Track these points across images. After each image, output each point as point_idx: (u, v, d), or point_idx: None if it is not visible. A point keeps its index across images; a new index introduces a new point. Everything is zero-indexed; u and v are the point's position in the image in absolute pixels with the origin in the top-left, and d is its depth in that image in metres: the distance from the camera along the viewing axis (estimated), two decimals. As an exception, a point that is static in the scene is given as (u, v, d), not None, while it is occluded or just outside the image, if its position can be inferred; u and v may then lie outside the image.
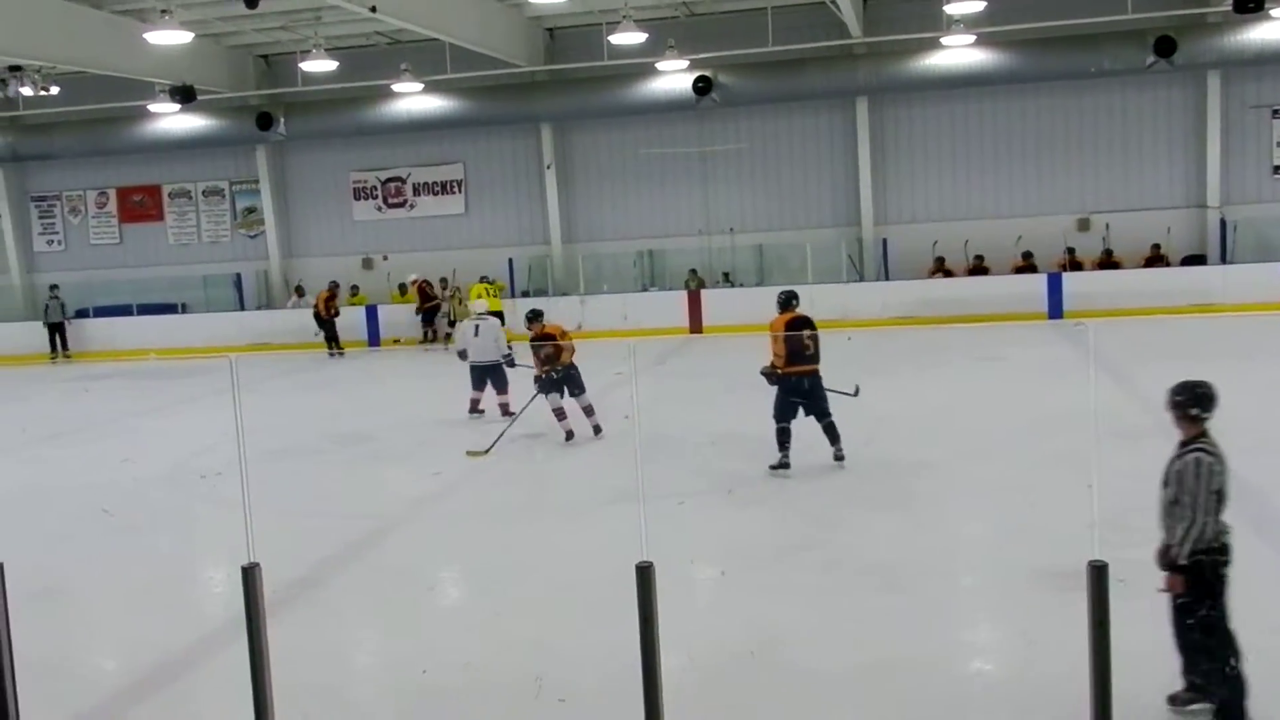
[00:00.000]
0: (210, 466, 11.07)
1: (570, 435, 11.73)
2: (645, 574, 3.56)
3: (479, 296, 18.36)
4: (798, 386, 9.68)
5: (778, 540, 8.00)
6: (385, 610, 7.17)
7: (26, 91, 20.14)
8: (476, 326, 13.26)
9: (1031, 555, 7.19)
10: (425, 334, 22.10)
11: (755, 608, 6.69)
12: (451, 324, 21.25)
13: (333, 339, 21.60)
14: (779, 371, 9.67)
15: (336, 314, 21.73)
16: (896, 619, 6.35)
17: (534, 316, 12.39)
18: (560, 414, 11.76)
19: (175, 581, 8.08)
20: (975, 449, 10.57)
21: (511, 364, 13.22)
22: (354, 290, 24.08)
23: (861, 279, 22.09)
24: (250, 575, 4.40)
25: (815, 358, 9.85)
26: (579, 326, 21.45)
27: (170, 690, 6.09)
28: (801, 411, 9.77)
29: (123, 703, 5.95)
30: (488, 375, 13.18)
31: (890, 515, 8.45)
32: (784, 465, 9.71)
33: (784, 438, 9.74)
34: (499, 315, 20.54)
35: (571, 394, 11.85)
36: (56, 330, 23.19)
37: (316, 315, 21.74)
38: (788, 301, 10.30)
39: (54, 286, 23.68)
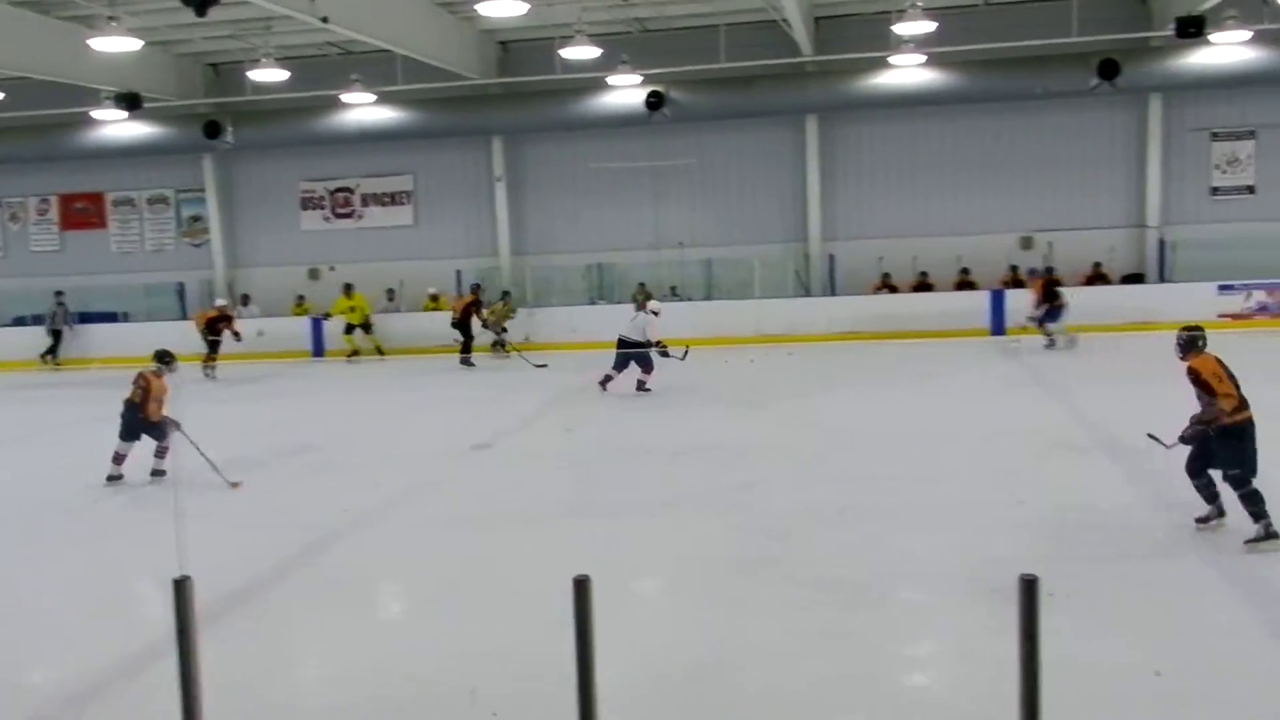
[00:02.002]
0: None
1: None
2: (582, 587, 3.56)
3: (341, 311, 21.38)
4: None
5: (731, 554, 7.99)
6: (329, 622, 7.09)
7: (-32, 96, 19.86)
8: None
9: (975, 570, 7.26)
10: (494, 344, 21.09)
11: (705, 622, 6.68)
12: (504, 331, 20.94)
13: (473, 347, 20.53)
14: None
15: (485, 323, 20.64)
16: (845, 634, 6.38)
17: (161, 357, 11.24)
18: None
19: (113, 592, 7.95)
20: (922, 463, 10.66)
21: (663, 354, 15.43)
22: (299, 300, 23.90)
23: (808, 294, 22.25)
24: (181, 588, 4.34)
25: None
26: (527, 338, 21.52)
27: (105, 702, 5.99)
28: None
29: (54, 712, 5.85)
30: (631, 357, 15.19)
31: (840, 530, 8.49)
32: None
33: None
34: (366, 325, 21.86)
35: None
36: (58, 337, 22.76)
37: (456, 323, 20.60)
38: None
39: (59, 292, 23.22)
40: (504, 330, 21.01)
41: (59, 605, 7.72)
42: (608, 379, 15.34)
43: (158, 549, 8.47)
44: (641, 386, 15.31)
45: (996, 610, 6.39)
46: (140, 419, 10.79)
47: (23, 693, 6.23)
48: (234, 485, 10.33)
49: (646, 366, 15.31)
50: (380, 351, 21.90)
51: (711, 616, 6.79)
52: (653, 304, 16.08)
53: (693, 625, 6.70)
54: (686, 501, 9.56)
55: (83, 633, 7.05)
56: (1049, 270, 19.83)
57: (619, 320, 15.95)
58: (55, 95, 21.52)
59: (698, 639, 6.40)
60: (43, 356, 22.61)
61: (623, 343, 15.38)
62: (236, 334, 20.31)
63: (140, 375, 10.93)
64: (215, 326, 20.33)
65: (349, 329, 21.85)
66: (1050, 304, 18.44)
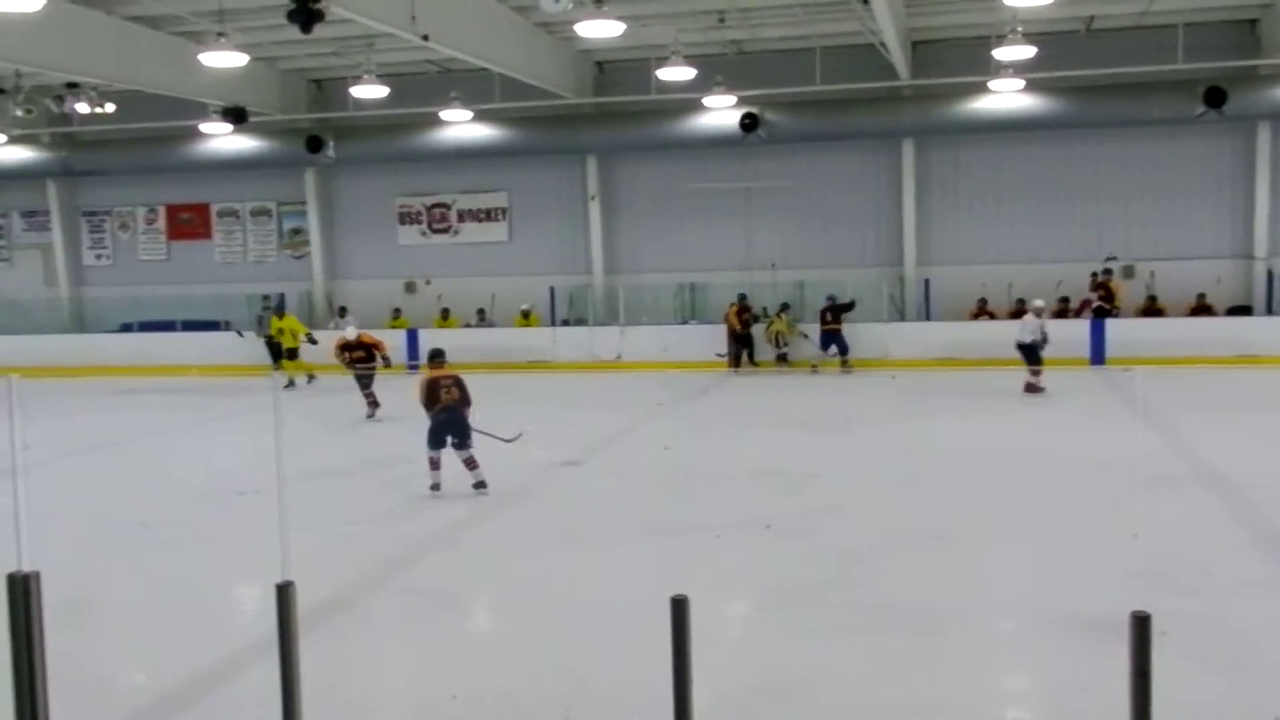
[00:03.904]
0: (249, 483, 11.13)
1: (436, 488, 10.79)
2: (680, 607, 3.55)
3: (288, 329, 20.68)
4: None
5: (812, 577, 7.93)
6: (416, 633, 7.16)
7: (82, 108, 20.53)
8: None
9: (1068, 603, 7.10)
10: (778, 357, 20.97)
11: (787, 645, 6.63)
12: (786, 345, 20.87)
13: (746, 355, 20.90)
14: None
15: (746, 328, 20.89)
16: (929, 662, 6.28)
17: (435, 355, 11.32)
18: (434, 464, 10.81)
19: (208, 597, 8.12)
20: (1014, 492, 10.48)
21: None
22: (396, 313, 24.26)
23: (903, 319, 22.02)
24: (284, 593, 4.42)
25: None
26: (618, 357, 21.61)
27: (200, 706, 6.11)
28: None
29: (152, 716, 5.98)
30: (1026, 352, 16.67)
31: (927, 556, 8.37)
32: None
33: None
34: (310, 339, 20.53)
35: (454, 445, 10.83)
36: (271, 343, 22.81)
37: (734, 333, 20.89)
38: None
39: (267, 298, 23.83)
40: (786, 344, 20.86)
41: (157, 607, 7.90)
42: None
43: (252, 555, 8.65)
44: None
45: (1090, 644, 6.26)
46: (463, 420, 10.76)
47: (127, 691, 6.39)
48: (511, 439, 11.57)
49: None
50: (310, 376, 20.29)
51: (783, 640, 6.74)
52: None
53: (764, 648, 6.66)
54: (765, 523, 9.48)
55: (178, 635, 7.21)
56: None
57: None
58: (165, 108, 22.16)
59: (768, 661, 6.35)
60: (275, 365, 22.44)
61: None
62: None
63: (456, 377, 10.91)
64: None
65: (291, 353, 20.57)
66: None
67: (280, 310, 20.95)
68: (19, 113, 20.69)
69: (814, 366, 20.59)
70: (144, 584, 8.39)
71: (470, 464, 10.69)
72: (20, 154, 25.15)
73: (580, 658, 6.46)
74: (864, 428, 14.45)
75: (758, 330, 21.13)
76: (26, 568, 4.55)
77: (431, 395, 10.71)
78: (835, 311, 20.41)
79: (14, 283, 27.06)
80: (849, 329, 20.39)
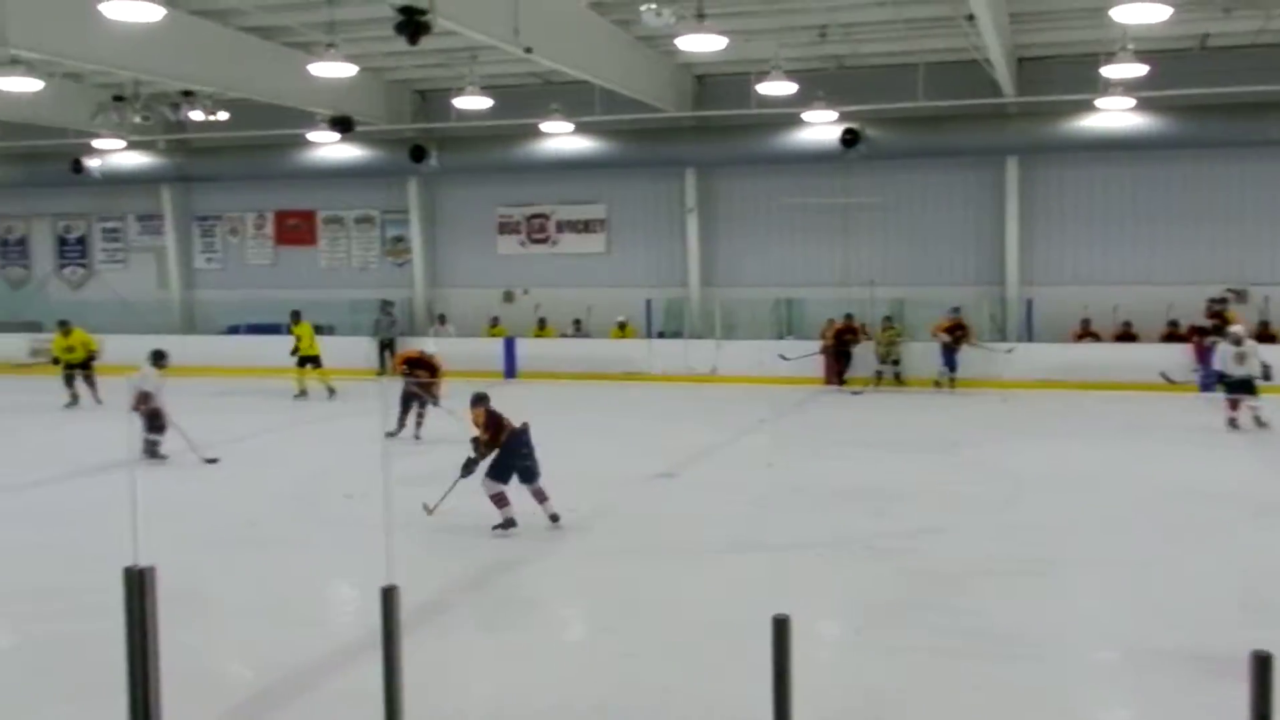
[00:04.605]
0: (349, 485, 11.34)
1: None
2: (781, 626, 3.54)
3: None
4: None
5: (910, 598, 7.85)
6: (509, 641, 7.23)
7: (197, 116, 21.11)
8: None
9: (1173, 636, 6.92)
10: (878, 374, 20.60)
11: (884, 666, 6.57)
12: (894, 363, 20.60)
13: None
14: None
15: (848, 346, 20.54)
16: (1027, 691, 6.17)
17: (478, 400, 10.09)
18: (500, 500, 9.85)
19: (311, 596, 8.30)
20: (1116, 519, 10.25)
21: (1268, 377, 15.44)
22: (494, 321, 24.53)
23: (1004, 339, 21.62)
24: (389, 596, 4.51)
25: None
26: (714, 370, 21.59)
27: (299, 702, 6.24)
28: None
29: (256, 709, 6.12)
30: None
31: (1027, 582, 8.22)
32: None
33: None
34: (315, 359, 19.79)
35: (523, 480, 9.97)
36: (386, 347, 23.36)
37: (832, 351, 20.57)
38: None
39: (387, 303, 24.30)
40: (897, 361, 20.52)
41: (263, 604, 8.09)
42: None
43: (351, 557, 8.82)
44: None
45: (1195, 680, 6.09)
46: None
47: (233, 684, 6.55)
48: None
49: None
50: (331, 390, 19.72)
51: (880, 661, 6.67)
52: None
53: (861, 669, 6.59)
54: (861, 543, 9.42)
55: (281, 632, 7.37)
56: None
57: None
58: (274, 117, 22.69)
59: (865, 683, 6.29)
60: (378, 372, 22.80)
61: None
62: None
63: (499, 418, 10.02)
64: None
65: (312, 361, 19.96)
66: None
67: (297, 317, 20.35)
68: (137, 119, 21.39)
69: (946, 383, 20.07)
70: (251, 581, 8.60)
71: (540, 496, 9.93)
72: (137, 159, 26.00)
73: (675, 673, 6.46)
74: (967, 449, 14.25)
75: (861, 349, 20.86)
76: (142, 563, 4.70)
77: (497, 427, 9.88)
78: (960, 329, 20.02)
79: (128, 284, 27.96)
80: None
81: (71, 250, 28.93)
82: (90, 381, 18.99)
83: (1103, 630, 7.27)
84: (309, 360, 19.99)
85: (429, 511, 10.04)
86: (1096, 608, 7.72)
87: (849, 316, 21.11)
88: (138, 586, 4.60)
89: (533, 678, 6.47)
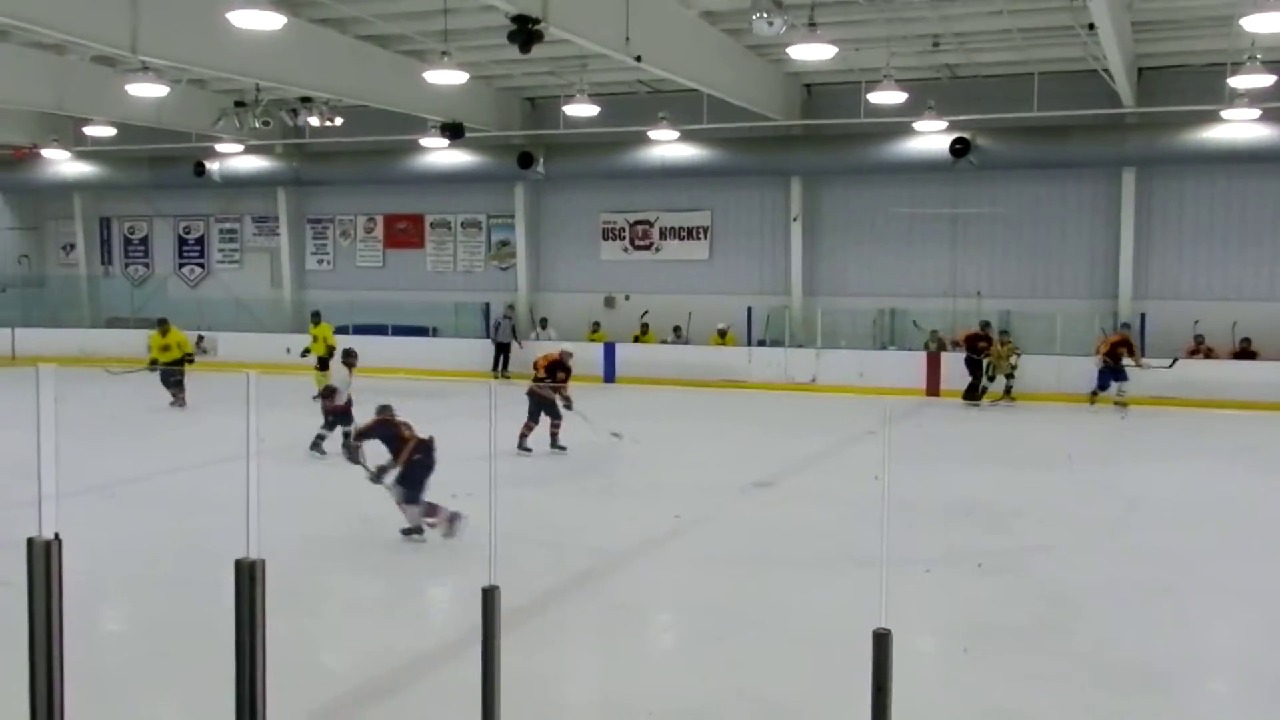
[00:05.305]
0: (461, 486, 11.46)
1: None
2: (882, 641, 3.49)
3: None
4: None
5: (1020, 620, 7.68)
6: (608, 645, 7.26)
7: (314, 121, 21.65)
8: None
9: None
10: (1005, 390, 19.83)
11: (992, 688, 6.44)
12: (1008, 376, 19.89)
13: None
14: None
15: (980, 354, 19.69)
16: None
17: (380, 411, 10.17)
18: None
19: (416, 593, 8.43)
20: (1231, 542, 9.92)
21: None
22: (595, 326, 24.66)
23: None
24: (489, 597, 4.56)
25: None
26: (814, 379, 21.43)
27: (400, 697, 6.34)
28: None
29: (356, 703, 6.24)
30: None
31: (1139, 606, 8.00)
32: None
33: None
34: (323, 360, 18.41)
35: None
36: (503, 350, 23.75)
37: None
38: None
39: (510, 306, 24.89)
40: (1011, 375, 19.80)
41: (369, 599, 8.25)
42: None
43: (458, 556, 8.94)
44: None
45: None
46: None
47: (336, 676, 6.69)
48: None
49: None
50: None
51: (988, 682, 6.54)
52: None
53: (968, 689, 6.47)
54: (969, 561, 9.23)
55: (385, 627, 7.51)
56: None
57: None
58: (387, 123, 23.16)
59: (973, 703, 6.17)
60: (495, 374, 23.20)
61: None
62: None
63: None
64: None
65: (323, 364, 18.57)
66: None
67: (318, 318, 20.04)
68: (256, 124, 22.02)
69: (1120, 401, 19.22)
70: (359, 576, 8.77)
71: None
72: (255, 163, 26.79)
73: (773, 684, 6.42)
74: (1081, 466, 13.91)
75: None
76: (254, 555, 4.81)
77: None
78: (1125, 345, 19.24)
79: (243, 284, 28.77)
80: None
81: (190, 250, 29.86)
82: (179, 383, 18.46)
83: (1226, 661, 7.03)
84: (322, 361, 19.02)
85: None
86: (1218, 637, 7.46)
87: (985, 324, 20.42)
88: (248, 579, 4.71)
89: (630, 684, 6.49)
